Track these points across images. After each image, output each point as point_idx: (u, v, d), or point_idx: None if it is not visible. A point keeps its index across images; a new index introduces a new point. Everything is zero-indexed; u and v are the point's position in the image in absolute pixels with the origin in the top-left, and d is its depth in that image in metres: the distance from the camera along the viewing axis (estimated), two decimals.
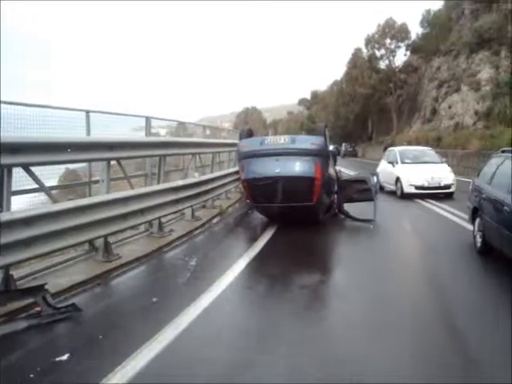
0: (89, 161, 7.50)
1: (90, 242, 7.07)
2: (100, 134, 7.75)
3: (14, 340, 4.50)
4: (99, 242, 7.21)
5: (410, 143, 36.28)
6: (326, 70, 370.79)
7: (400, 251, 8.77)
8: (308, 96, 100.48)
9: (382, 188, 15.78)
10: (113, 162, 7.65)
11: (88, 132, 7.52)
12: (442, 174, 15.67)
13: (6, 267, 5.22)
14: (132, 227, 7.85)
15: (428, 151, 18.31)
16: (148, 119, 9.32)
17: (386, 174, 16.88)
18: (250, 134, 11.12)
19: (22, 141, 5.72)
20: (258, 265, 7.55)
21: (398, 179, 15.98)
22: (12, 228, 5.03)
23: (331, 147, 12.88)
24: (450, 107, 34.77)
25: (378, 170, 17.23)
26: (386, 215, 11.57)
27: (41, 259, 6.31)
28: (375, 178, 11.49)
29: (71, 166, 8.26)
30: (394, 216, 12.35)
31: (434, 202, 14.24)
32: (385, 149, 38.60)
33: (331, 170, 11.13)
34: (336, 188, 11.49)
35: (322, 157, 10.00)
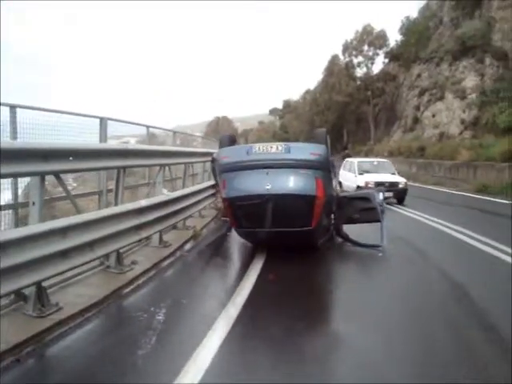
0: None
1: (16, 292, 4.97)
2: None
3: None
4: (29, 290, 5.12)
5: (391, 153, 34.91)
6: (297, 80, 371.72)
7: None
8: (279, 106, 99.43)
9: None
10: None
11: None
12: None
13: None
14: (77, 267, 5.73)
15: None
16: (103, 120, 7.23)
17: None
18: (232, 140, 9.00)
19: None
20: (249, 321, 5.44)
21: None
22: None
23: None
24: (433, 116, 33.42)
25: None
26: None
27: None
28: (381, 195, 9.56)
29: None
30: None
31: None
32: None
33: (332, 186, 9.19)
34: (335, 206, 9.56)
35: (325, 170, 8.05)
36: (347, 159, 21.31)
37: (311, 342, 4.89)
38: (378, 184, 15.87)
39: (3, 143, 4.81)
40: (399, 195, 16.83)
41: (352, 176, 18.25)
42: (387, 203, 15.38)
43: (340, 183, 19.05)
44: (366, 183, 16.77)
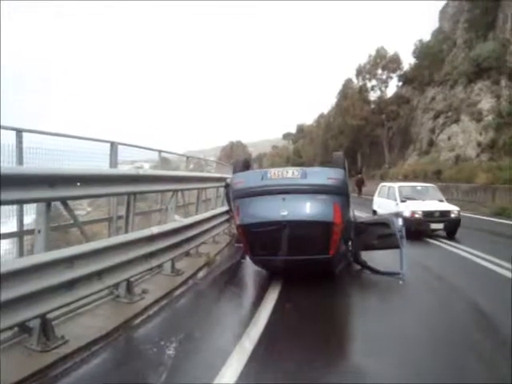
0: None
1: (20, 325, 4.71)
2: None
3: None
4: (33, 322, 4.88)
5: (406, 177, 34.45)
6: (311, 105, 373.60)
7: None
8: (292, 130, 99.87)
9: None
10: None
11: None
12: None
13: None
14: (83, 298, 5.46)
15: None
16: (114, 145, 7.05)
17: None
18: (246, 165, 8.73)
19: None
20: (265, 355, 5.14)
21: None
22: None
23: None
24: (449, 138, 33.04)
25: None
26: None
27: None
28: (400, 221, 9.20)
29: None
30: None
31: None
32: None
33: (349, 211, 8.88)
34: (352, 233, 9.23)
35: (342, 195, 7.76)
36: (383, 184, 18.73)
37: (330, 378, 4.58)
38: (427, 214, 14.00)
39: (7, 169, 4.62)
40: (451, 227, 13.93)
41: (392, 204, 15.59)
42: (431, 236, 13.90)
43: (374, 212, 17.50)
44: (412, 213, 13.88)
